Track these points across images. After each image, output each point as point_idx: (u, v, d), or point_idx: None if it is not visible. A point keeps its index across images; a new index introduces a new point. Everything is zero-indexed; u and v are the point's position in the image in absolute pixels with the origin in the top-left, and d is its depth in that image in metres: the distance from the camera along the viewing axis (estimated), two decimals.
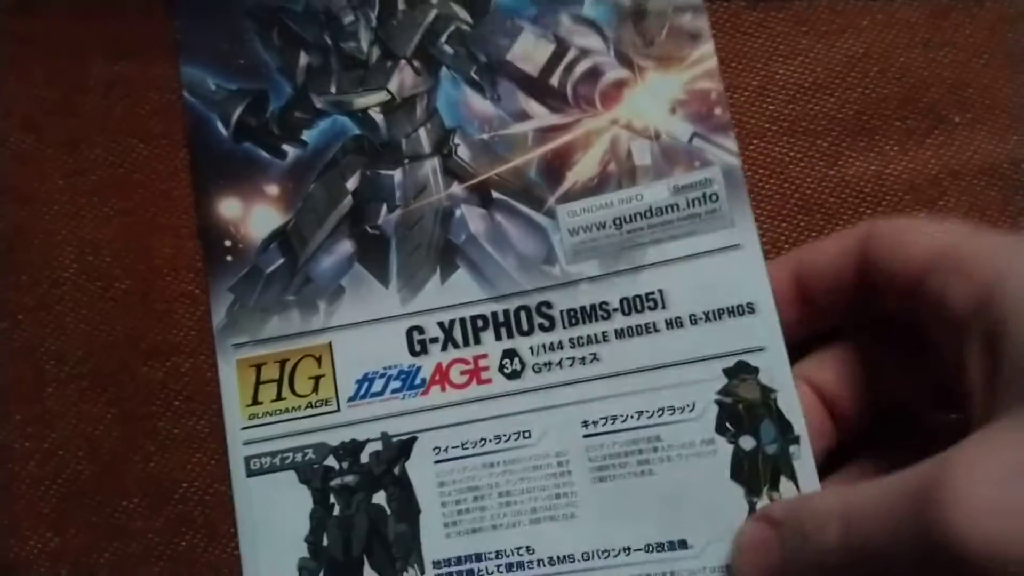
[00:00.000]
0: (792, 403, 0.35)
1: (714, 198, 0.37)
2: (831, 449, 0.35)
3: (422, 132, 0.40)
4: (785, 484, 0.34)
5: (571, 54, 0.40)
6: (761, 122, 0.41)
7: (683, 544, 0.35)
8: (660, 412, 0.36)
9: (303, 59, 0.41)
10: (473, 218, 0.39)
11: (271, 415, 0.38)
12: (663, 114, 0.39)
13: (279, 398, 0.38)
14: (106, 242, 0.41)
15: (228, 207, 0.40)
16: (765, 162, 0.40)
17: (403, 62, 0.40)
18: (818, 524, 0.29)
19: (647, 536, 0.35)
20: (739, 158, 0.38)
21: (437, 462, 0.37)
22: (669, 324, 0.36)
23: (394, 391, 0.37)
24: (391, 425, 0.37)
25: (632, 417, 0.36)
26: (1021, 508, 0.24)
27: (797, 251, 0.37)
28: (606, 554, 0.35)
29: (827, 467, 0.35)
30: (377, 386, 0.38)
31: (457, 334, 0.38)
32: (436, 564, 0.36)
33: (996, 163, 0.40)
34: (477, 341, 0.38)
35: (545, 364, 0.37)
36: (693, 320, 0.36)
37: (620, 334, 0.37)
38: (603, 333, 0.37)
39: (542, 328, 0.37)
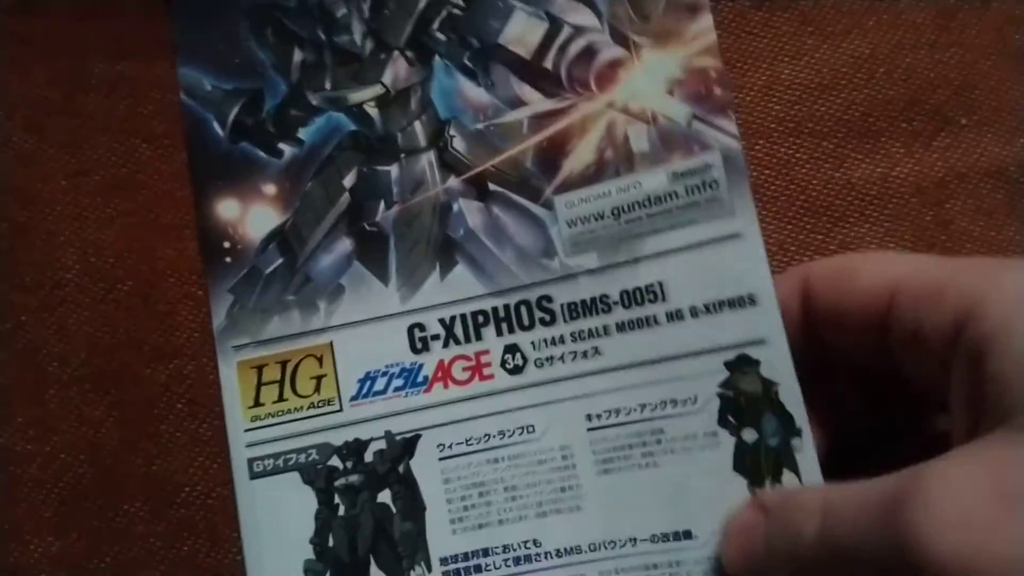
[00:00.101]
0: (794, 396, 0.34)
1: (714, 185, 0.36)
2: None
3: (417, 125, 0.39)
4: (787, 476, 0.34)
5: (564, 33, 0.39)
6: (767, 122, 0.40)
7: (688, 535, 0.34)
8: (663, 405, 0.35)
9: (297, 55, 0.40)
10: (471, 212, 0.38)
11: (273, 416, 0.38)
12: (660, 95, 0.38)
13: (281, 399, 0.38)
14: (109, 243, 0.41)
15: (226, 208, 0.39)
16: (771, 163, 0.40)
17: (396, 53, 0.40)
18: (800, 517, 0.29)
19: (652, 527, 0.35)
20: (739, 141, 0.37)
21: (441, 459, 0.37)
22: (670, 317, 0.36)
23: (396, 389, 0.37)
24: (394, 423, 0.37)
25: (635, 410, 0.36)
26: (994, 525, 0.24)
27: None
28: (612, 545, 0.35)
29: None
30: (379, 385, 0.37)
31: (458, 330, 0.37)
32: (443, 561, 0.36)
33: (1003, 165, 0.40)
34: (478, 337, 0.37)
35: (547, 359, 0.37)
36: (694, 312, 0.36)
37: (621, 327, 0.36)
38: (604, 327, 0.36)
39: (543, 323, 0.37)
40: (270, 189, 0.39)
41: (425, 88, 0.40)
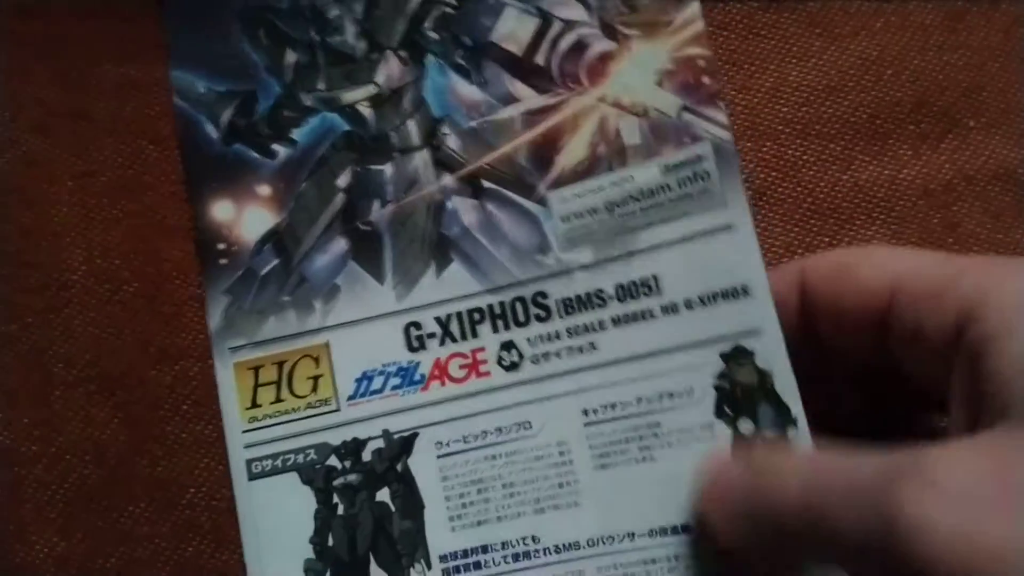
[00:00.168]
0: (789, 385, 0.34)
1: (705, 176, 0.36)
2: None
3: (411, 124, 0.39)
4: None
5: (555, 28, 0.39)
6: (774, 124, 0.40)
7: (687, 528, 0.34)
8: (659, 398, 0.35)
9: (290, 56, 0.40)
10: (465, 210, 0.38)
11: (271, 417, 0.38)
12: (650, 87, 0.38)
13: (278, 400, 0.38)
14: (115, 245, 0.41)
15: (221, 210, 0.39)
16: (778, 165, 0.40)
17: (389, 53, 0.40)
18: (786, 471, 0.28)
19: (651, 521, 0.35)
20: (730, 131, 0.37)
21: (439, 457, 0.37)
22: (665, 310, 0.36)
23: (393, 388, 0.37)
24: (392, 422, 0.37)
25: (631, 404, 0.36)
26: (997, 508, 0.23)
27: None
28: (610, 540, 0.35)
29: None
30: (376, 384, 0.37)
31: (454, 328, 0.37)
32: (443, 558, 0.36)
33: (1011, 168, 0.40)
34: (474, 334, 0.37)
35: (543, 355, 0.37)
36: (688, 305, 0.36)
37: (616, 321, 0.36)
38: (599, 321, 0.36)
39: (538, 319, 0.37)
40: (264, 190, 0.39)
41: (418, 87, 0.40)
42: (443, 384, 0.37)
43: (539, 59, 0.39)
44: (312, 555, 0.36)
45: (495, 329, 0.37)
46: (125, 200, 0.41)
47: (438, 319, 0.37)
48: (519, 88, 0.39)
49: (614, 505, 0.35)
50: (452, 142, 0.39)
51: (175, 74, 0.41)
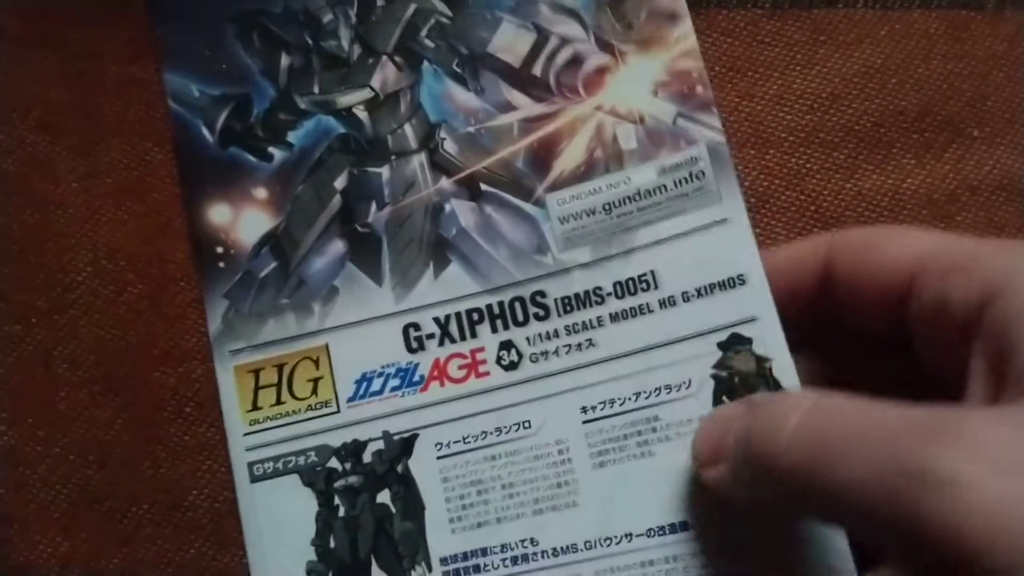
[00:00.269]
0: (787, 370, 0.35)
1: (700, 176, 0.37)
2: None
3: (407, 128, 0.40)
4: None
5: (552, 43, 0.40)
6: (778, 132, 0.40)
7: (684, 526, 0.35)
8: (657, 392, 0.36)
9: (284, 60, 0.41)
10: (463, 212, 0.39)
11: (272, 420, 0.38)
12: (646, 96, 0.38)
13: (279, 402, 0.38)
14: (120, 246, 0.41)
15: (218, 213, 0.39)
16: (782, 172, 0.40)
17: (385, 58, 0.40)
18: (780, 415, 0.28)
19: (648, 520, 0.35)
20: (723, 134, 0.38)
21: (439, 458, 0.37)
22: (662, 304, 0.36)
23: (393, 389, 0.37)
24: (392, 423, 0.37)
25: (630, 399, 0.36)
26: None
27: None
28: (608, 542, 0.35)
29: None
30: (376, 385, 0.37)
31: (453, 329, 0.38)
32: (443, 560, 0.36)
33: (1015, 178, 0.40)
34: (473, 334, 0.37)
35: (542, 353, 0.37)
36: (686, 297, 0.36)
37: (615, 317, 0.37)
38: (598, 318, 0.37)
39: (537, 317, 0.37)
40: (261, 193, 0.39)
41: (415, 92, 0.40)
42: (442, 385, 0.37)
43: (536, 70, 0.39)
44: (314, 557, 0.36)
45: (494, 329, 0.37)
46: (130, 201, 0.41)
47: (437, 320, 0.38)
48: (516, 97, 0.39)
49: (612, 504, 0.35)
50: (449, 146, 0.39)
51: (169, 77, 0.41)
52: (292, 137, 0.40)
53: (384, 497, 0.37)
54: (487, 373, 0.37)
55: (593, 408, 0.36)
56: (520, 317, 0.37)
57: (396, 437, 0.37)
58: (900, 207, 0.40)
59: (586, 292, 0.37)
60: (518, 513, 0.36)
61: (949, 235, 0.32)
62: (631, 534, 0.35)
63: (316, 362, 0.38)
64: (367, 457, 0.37)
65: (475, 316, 0.38)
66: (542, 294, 0.37)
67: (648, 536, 0.35)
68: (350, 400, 0.37)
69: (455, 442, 0.37)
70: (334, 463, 0.37)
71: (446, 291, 0.38)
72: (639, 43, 0.39)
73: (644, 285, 0.37)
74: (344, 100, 0.40)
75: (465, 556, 0.36)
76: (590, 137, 0.38)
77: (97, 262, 0.41)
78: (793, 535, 0.34)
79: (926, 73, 0.41)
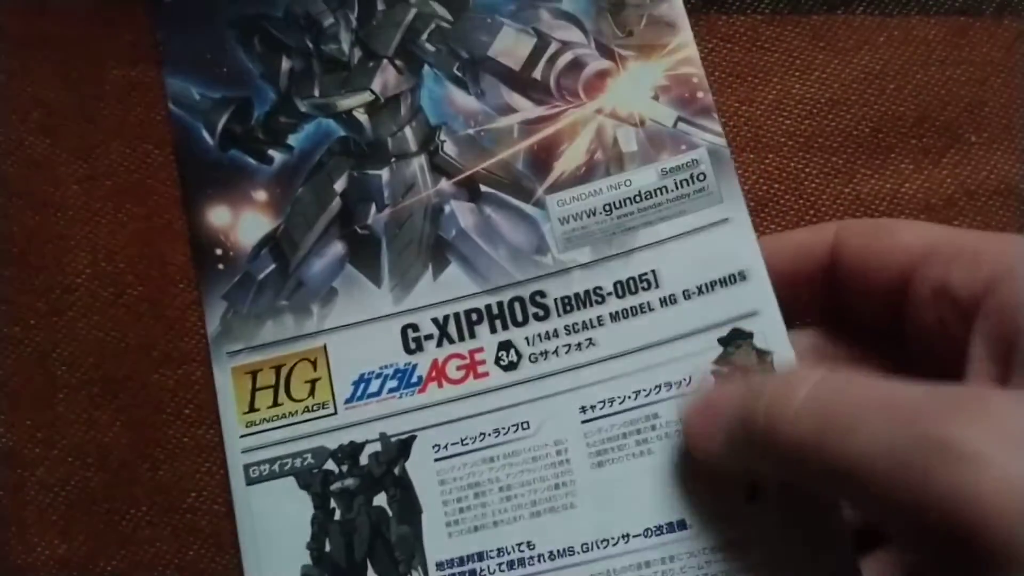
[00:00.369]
0: (788, 363, 0.34)
1: (701, 177, 0.37)
2: None
3: (407, 130, 0.40)
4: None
5: (552, 47, 0.40)
6: (777, 137, 0.41)
7: (682, 525, 0.34)
8: (657, 389, 0.35)
9: (285, 64, 0.41)
10: (463, 213, 0.38)
11: (268, 421, 0.37)
12: (646, 101, 0.39)
13: (276, 404, 0.37)
14: (120, 248, 0.41)
15: (217, 215, 0.39)
16: (781, 177, 0.40)
17: (385, 62, 0.40)
18: (788, 386, 0.28)
19: (645, 520, 0.35)
20: (724, 138, 0.38)
21: (437, 460, 0.36)
22: (663, 302, 0.36)
23: (391, 390, 0.37)
24: (389, 425, 0.37)
25: (629, 398, 0.36)
26: None
27: (760, 239, 0.36)
28: (605, 544, 0.35)
29: None
30: (374, 386, 0.37)
31: (452, 329, 0.37)
32: (439, 565, 0.35)
33: (1013, 184, 0.40)
34: (472, 335, 0.37)
35: (541, 353, 0.37)
36: (687, 295, 0.36)
37: (615, 317, 0.36)
38: (598, 318, 0.37)
39: (537, 318, 0.37)
40: (261, 196, 0.39)
41: (415, 95, 0.40)
42: (440, 386, 0.37)
43: (536, 74, 0.40)
44: (310, 560, 0.36)
45: (493, 329, 0.37)
46: (130, 204, 0.41)
47: (435, 320, 0.37)
48: (516, 99, 0.39)
49: (610, 504, 0.35)
50: (449, 148, 0.39)
51: (170, 81, 0.41)
52: (292, 140, 0.40)
53: (381, 500, 0.36)
54: (486, 374, 0.37)
55: (592, 407, 0.36)
56: (519, 317, 0.37)
57: (393, 439, 0.37)
58: (898, 212, 0.40)
59: (586, 292, 0.37)
60: (515, 516, 0.35)
61: (954, 228, 0.33)
62: (628, 535, 0.35)
63: (314, 363, 0.38)
64: (364, 459, 0.37)
65: (474, 317, 0.37)
66: (542, 294, 0.37)
67: (645, 536, 0.34)
68: (347, 402, 0.37)
69: (453, 444, 0.36)
70: (331, 465, 0.37)
71: (445, 292, 0.38)
72: (639, 49, 0.39)
73: (645, 284, 0.37)
74: (344, 103, 0.40)
75: (461, 561, 0.35)
76: (590, 139, 0.38)
77: (96, 264, 0.40)
78: (791, 532, 0.33)
79: (924, 79, 0.41)
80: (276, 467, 0.37)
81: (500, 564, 0.35)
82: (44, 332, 0.40)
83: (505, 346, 0.37)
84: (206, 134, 0.40)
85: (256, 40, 0.41)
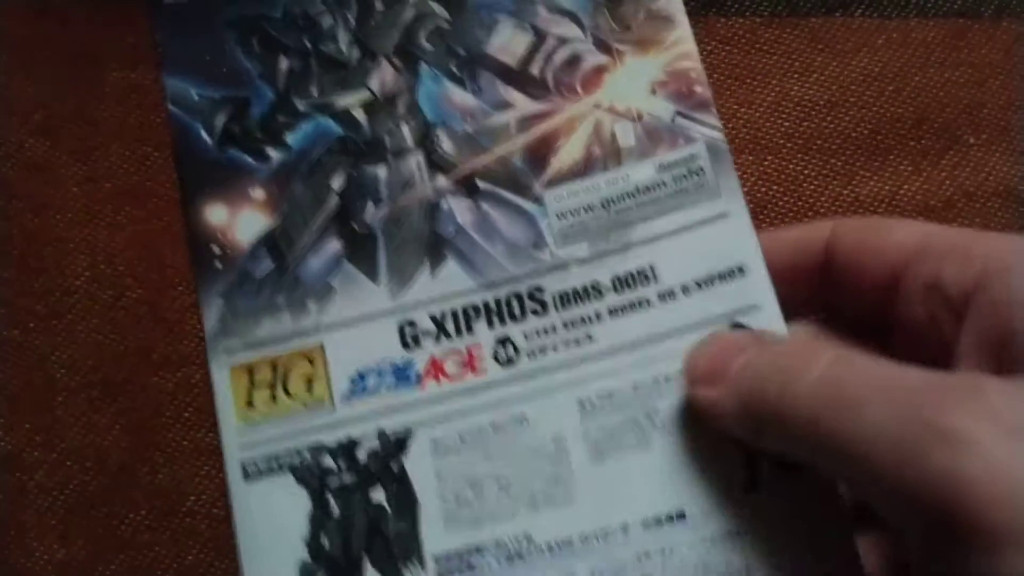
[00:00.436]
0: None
1: (700, 172, 0.37)
2: None
3: (405, 128, 0.40)
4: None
5: (549, 43, 0.40)
6: (776, 138, 0.41)
7: (681, 516, 0.34)
8: (655, 383, 0.35)
9: (283, 63, 0.41)
10: (460, 209, 0.38)
11: (266, 418, 0.37)
12: (644, 95, 0.38)
13: (273, 401, 0.37)
14: (119, 251, 0.41)
15: (215, 214, 0.39)
16: (779, 178, 0.40)
17: (383, 61, 0.40)
18: (804, 361, 0.28)
19: (644, 511, 0.34)
20: (722, 132, 0.37)
21: (435, 455, 0.36)
22: (662, 297, 0.36)
23: (389, 387, 0.37)
24: (387, 421, 0.37)
25: (628, 392, 0.35)
26: None
27: (761, 236, 0.37)
28: (604, 536, 0.34)
29: None
30: (371, 383, 0.37)
31: (449, 325, 0.37)
32: (437, 560, 0.35)
33: (1011, 185, 0.40)
34: (470, 331, 0.37)
35: (539, 348, 0.36)
36: (685, 290, 0.36)
37: (613, 312, 0.36)
38: (596, 312, 0.36)
39: (534, 313, 0.37)
40: (258, 194, 0.39)
41: (412, 93, 0.40)
42: (438, 382, 0.37)
43: (534, 70, 0.40)
44: (307, 556, 0.36)
45: (491, 325, 0.37)
46: (129, 206, 0.41)
47: (433, 317, 0.37)
48: (514, 95, 0.39)
49: (608, 497, 0.35)
50: (446, 145, 0.39)
51: (169, 81, 0.41)
52: (290, 139, 0.40)
53: (378, 496, 0.36)
54: (484, 369, 0.37)
55: (591, 402, 0.36)
56: (517, 312, 0.37)
57: (391, 435, 0.36)
58: (897, 213, 0.40)
59: (584, 287, 0.37)
60: (514, 510, 0.35)
61: (948, 227, 0.32)
62: (627, 526, 0.34)
63: (311, 361, 0.37)
64: (361, 455, 0.36)
65: (471, 312, 0.37)
66: (539, 289, 0.37)
67: (645, 528, 0.34)
68: (345, 398, 0.37)
69: (450, 439, 0.36)
70: (328, 462, 0.36)
71: (442, 288, 0.38)
72: (637, 44, 0.39)
73: (643, 279, 0.36)
74: (342, 102, 0.40)
75: (460, 554, 0.35)
76: (588, 134, 0.38)
77: (96, 267, 0.41)
78: (791, 522, 0.33)
79: (923, 81, 0.41)
80: (274, 463, 0.37)
81: (499, 557, 0.35)
82: (43, 335, 0.40)
83: (503, 341, 0.37)
84: (204, 133, 0.40)
85: (254, 40, 0.41)
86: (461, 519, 0.35)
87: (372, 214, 0.39)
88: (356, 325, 0.38)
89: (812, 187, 0.40)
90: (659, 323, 0.36)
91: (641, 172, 0.37)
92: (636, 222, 0.37)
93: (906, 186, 0.40)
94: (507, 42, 0.40)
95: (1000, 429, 0.23)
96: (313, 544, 0.36)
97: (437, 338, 0.37)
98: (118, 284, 0.40)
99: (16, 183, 0.41)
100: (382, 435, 0.36)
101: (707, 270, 0.36)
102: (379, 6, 0.41)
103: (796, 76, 0.41)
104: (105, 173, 0.41)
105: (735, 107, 0.41)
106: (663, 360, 0.35)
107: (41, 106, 0.42)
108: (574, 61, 0.39)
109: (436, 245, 0.38)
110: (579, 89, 0.39)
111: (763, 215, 0.39)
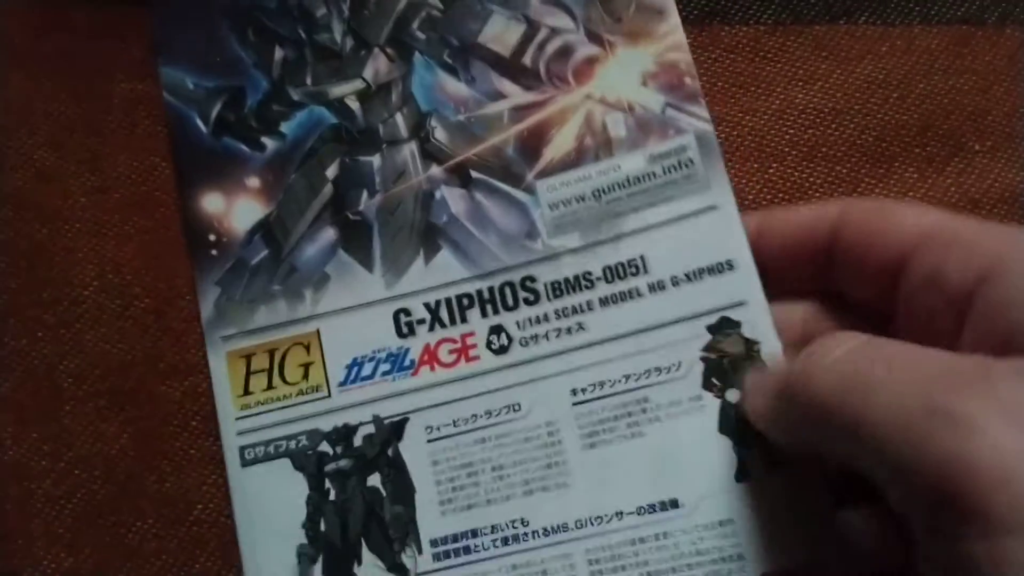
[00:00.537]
0: (775, 353, 0.35)
1: (689, 164, 0.37)
2: None
3: (398, 117, 0.40)
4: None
5: (542, 34, 0.40)
6: (780, 146, 0.41)
7: (674, 504, 0.35)
8: (647, 374, 0.36)
9: (278, 53, 0.41)
10: (453, 199, 0.39)
11: (263, 404, 0.38)
12: (635, 86, 0.39)
13: (270, 387, 0.38)
14: (127, 260, 0.41)
15: (211, 202, 0.40)
16: (784, 186, 0.40)
17: (376, 50, 0.41)
18: (827, 347, 0.29)
19: (639, 498, 0.35)
20: (711, 124, 0.38)
21: (430, 441, 0.37)
22: (652, 288, 0.37)
23: (384, 374, 0.38)
24: (382, 408, 0.37)
25: (620, 381, 0.36)
26: None
27: (767, 211, 0.37)
28: (599, 520, 0.35)
29: None
30: (367, 370, 0.38)
31: (443, 314, 0.38)
32: (433, 543, 0.36)
33: (1016, 191, 0.40)
34: (464, 319, 0.38)
35: (532, 337, 0.37)
36: (675, 282, 0.37)
37: (604, 302, 0.37)
38: (587, 302, 0.37)
39: (527, 302, 0.37)
40: (254, 182, 0.40)
41: (406, 82, 0.40)
42: (433, 369, 0.37)
43: (526, 60, 0.40)
44: (305, 540, 0.36)
45: (484, 314, 0.38)
46: (137, 216, 0.41)
47: (427, 305, 0.38)
48: (506, 85, 0.40)
49: (602, 483, 0.36)
50: (440, 135, 0.40)
51: (164, 71, 0.41)
52: (285, 127, 0.40)
53: (374, 480, 0.37)
54: (477, 357, 0.37)
55: (583, 391, 0.36)
56: (510, 302, 0.38)
57: (386, 421, 0.37)
58: None
59: (576, 277, 0.37)
60: (508, 495, 0.36)
61: (955, 215, 0.32)
62: (622, 512, 0.35)
63: (307, 347, 0.38)
64: (358, 441, 0.37)
65: (465, 301, 0.38)
66: (532, 279, 0.38)
67: (639, 514, 0.35)
68: (341, 385, 0.38)
69: (445, 425, 0.37)
70: (325, 447, 0.37)
71: (436, 277, 0.38)
72: (628, 35, 0.40)
73: (633, 270, 0.37)
74: (336, 91, 0.41)
75: (455, 538, 0.36)
76: (580, 125, 0.39)
77: (104, 276, 0.41)
78: (779, 510, 0.34)
79: (927, 88, 0.41)
80: (271, 449, 0.37)
81: (494, 540, 0.36)
82: (51, 344, 0.40)
83: (496, 330, 0.37)
84: (200, 122, 0.41)
85: (250, 30, 0.41)
86: (456, 503, 0.36)
87: (366, 203, 0.39)
88: (351, 313, 0.38)
89: (817, 194, 0.40)
90: (650, 314, 0.37)
91: (632, 163, 0.38)
92: (627, 213, 0.37)
93: (911, 193, 0.40)
94: (500, 32, 0.40)
95: (1007, 415, 0.24)
96: (311, 528, 0.37)
97: (431, 326, 0.38)
98: (126, 294, 0.40)
99: (24, 194, 0.41)
100: (378, 421, 0.37)
101: (696, 263, 0.37)
102: None
103: (800, 84, 0.41)
104: (113, 184, 0.41)
105: (739, 115, 0.41)
106: (654, 351, 0.36)
107: (49, 117, 0.42)
108: (566, 52, 0.40)
109: (430, 234, 0.39)
110: (571, 80, 0.39)
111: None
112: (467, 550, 0.36)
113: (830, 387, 0.27)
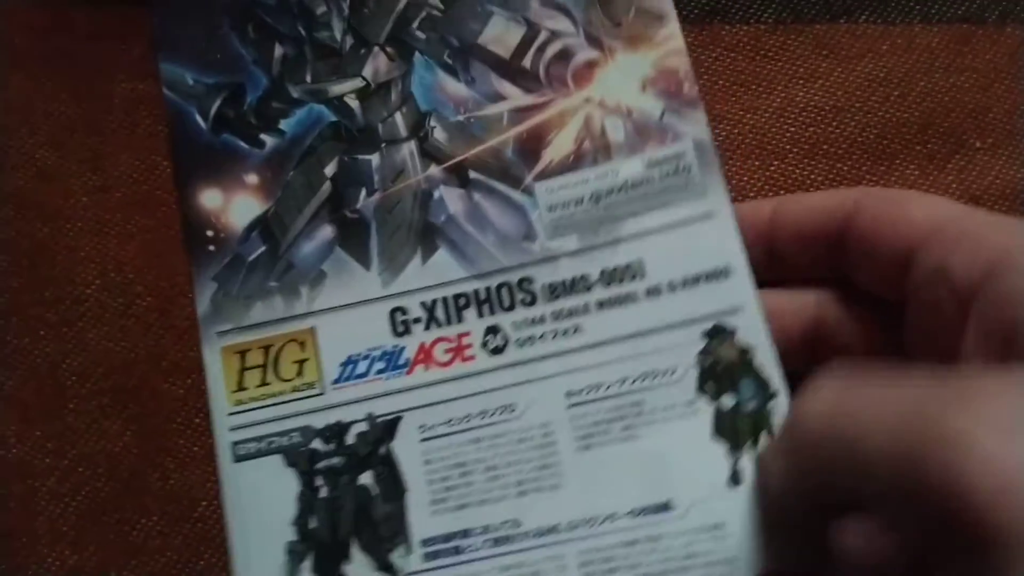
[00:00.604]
0: (769, 360, 0.35)
1: (687, 170, 0.38)
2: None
3: (398, 116, 0.40)
4: (765, 439, 0.35)
5: (542, 36, 0.40)
6: (781, 144, 0.41)
7: (667, 506, 0.35)
8: (642, 378, 0.36)
9: (278, 51, 0.41)
10: (452, 199, 0.39)
11: (256, 400, 0.38)
12: (634, 92, 0.39)
13: (264, 383, 0.38)
14: (129, 259, 0.41)
15: (209, 198, 0.40)
16: (786, 184, 0.41)
17: (376, 49, 0.41)
18: (816, 388, 0.29)
19: (631, 501, 0.35)
20: (709, 131, 0.38)
21: (423, 440, 0.37)
22: (648, 293, 0.37)
23: (378, 372, 0.38)
24: (376, 406, 0.37)
25: (615, 385, 0.36)
26: None
27: (781, 198, 0.37)
28: (591, 522, 0.35)
29: None
30: (361, 368, 0.38)
31: (440, 313, 0.38)
32: (424, 542, 0.36)
33: (1017, 188, 0.40)
34: (460, 319, 0.38)
35: (528, 338, 0.37)
36: (671, 287, 0.37)
37: (601, 305, 0.37)
38: (584, 305, 0.37)
39: (524, 303, 0.38)
40: (252, 179, 0.40)
41: (406, 81, 0.40)
42: (428, 368, 0.37)
43: (526, 62, 0.40)
44: (295, 537, 0.36)
45: (480, 314, 0.38)
46: (139, 215, 0.41)
47: (424, 304, 0.38)
48: (506, 87, 0.40)
49: (596, 485, 0.36)
50: (439, 134, 0.40)
51: (164, 67, 0.41)
52: (284, 125, 0.40)
53: (366, 479, 0.37)
54: (472, 357, 0.37)
55: (578, 393, 0.36)
56: (507, 302, 0.38)
57: (380, 420, 0.37)
58: None
59: (573, 279, 0.37)
60: (501, 495, 0.36)
61: (966, 207, 0.32)
62: (614, 514, 0.35)
63: (302, 344, 0.38)
64: (350, 439, 0.37)
65: (462, 301, 0.38)
66: (529, 280, 0.38)
67: (632, 516, 0.35)
68: (335, 382, 0.38)
69: (439, 425, 0.37)
70: (317, 444, 0.37)
71: (433, 276, 0.38)
72: (627, 40, 0.40)
73: (631, 275, 0.37)
74: (336, 89, 0.41)
75: (447, 538, 0.36)
76: (579, 128, 0.39)
77: (106, 275, 0.41)
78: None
79: (928, 86, 0.41)
80: (263, 445, 0.37)
81: (486, 540, 0.36)
82: (54, 343, 0.40)
83: (492, 330, 0.37)
84: (199, 118, 0.40)
85: (250, 27, 0.41)
86: (448, 503, 0.36)
87: (364, 201, 0.39)
88: (347, 310, 0.38)
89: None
90: (646, 318, 0.37)
91: (630, 167, 0.38)
92: (625, 217, 0.38)
93: (913, 190, 0.40)
94: (500, 34, 0.40)
95: (996, 426, 0.24)
96: (301, 525, 0.37)
97: (427, 325, 0.38)
98: (128, 292, 0.40)
99: (26, 193, 0.41)
100: (371, 419, 0.37)
101: (692, 269, 0.37)
102: None
103: (801, 82, 0.41)
104: (115, 183, 0.41)
105: (741, 113, 0.41)
106: (650, 355, 0.36)
107: (50, 117, 0.42)
108: (566, 55, 0.40)
109: (427, 233, 0.39)
110: (570, 83, 0.40)
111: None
112: (458, 550, 0.36)
113: (818, 436, 0.28)
